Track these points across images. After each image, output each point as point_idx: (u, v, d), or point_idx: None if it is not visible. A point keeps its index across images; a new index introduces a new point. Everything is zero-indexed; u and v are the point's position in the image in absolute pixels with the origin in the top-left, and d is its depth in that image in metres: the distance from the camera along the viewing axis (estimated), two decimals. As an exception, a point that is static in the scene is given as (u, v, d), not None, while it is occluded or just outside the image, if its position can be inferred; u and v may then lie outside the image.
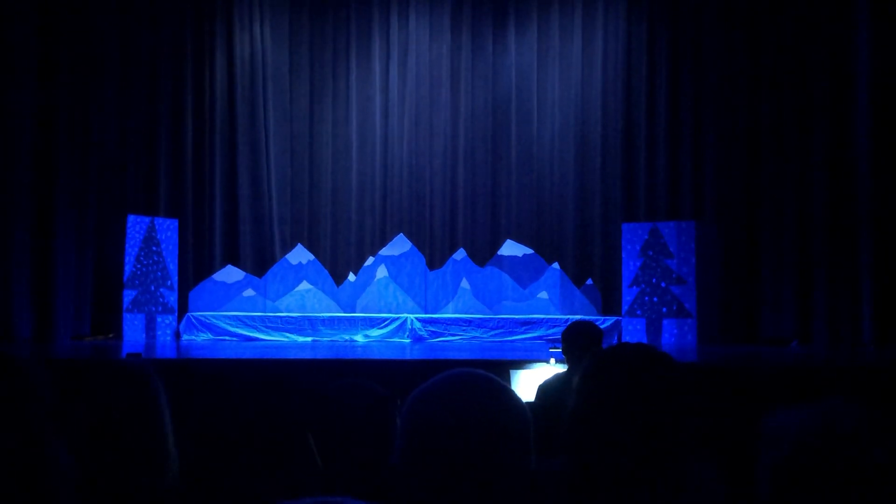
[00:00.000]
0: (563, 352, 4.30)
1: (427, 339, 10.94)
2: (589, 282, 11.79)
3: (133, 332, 10.63)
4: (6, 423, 1.46)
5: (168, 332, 10.98)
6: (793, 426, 1.26)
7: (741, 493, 1.77)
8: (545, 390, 4.19)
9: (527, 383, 5.36)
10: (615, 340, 10.77)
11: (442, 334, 11.00)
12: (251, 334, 10.86)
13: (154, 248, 10.93)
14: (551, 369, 5.38)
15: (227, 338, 10.85)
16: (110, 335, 10.73)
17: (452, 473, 1.27)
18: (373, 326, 11.07)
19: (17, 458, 1.42)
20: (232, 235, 12.17)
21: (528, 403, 1.65)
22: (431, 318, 11.34)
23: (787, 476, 1.24)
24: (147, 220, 10.95)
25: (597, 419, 1.74)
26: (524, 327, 10.97)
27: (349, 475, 2.13)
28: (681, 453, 1.73)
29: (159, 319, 10.93)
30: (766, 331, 10.90)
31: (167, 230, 11.13)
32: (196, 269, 11.86)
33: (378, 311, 11.54)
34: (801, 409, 1.29)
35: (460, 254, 12.06)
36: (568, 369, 4.28)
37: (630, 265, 10.88)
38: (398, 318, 11.15)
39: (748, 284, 11.13)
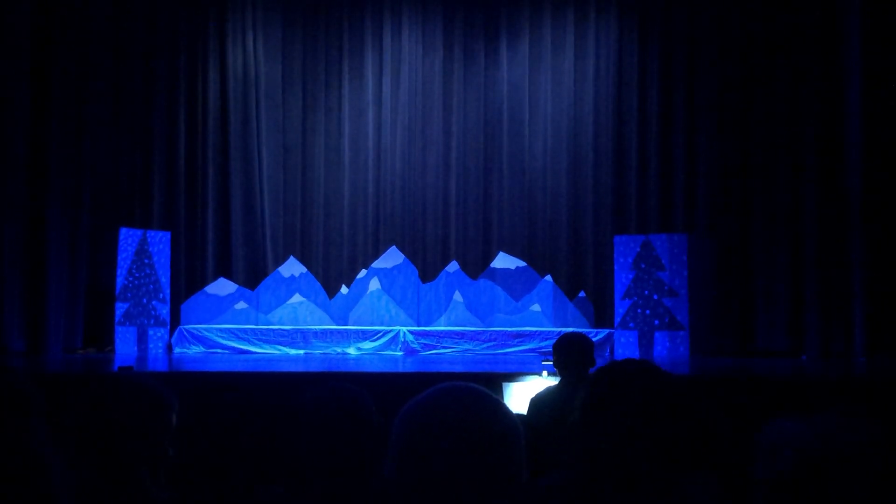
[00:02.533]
0: (555, 364, 4.29)
1: (419, 351, 10.93)
2: (581, 294, 11.80)
3: (125, 345, 10.60)
4: (3, 430, 1.47)
5: (160, 344, 10.95)
6: (790, 439, 1.26)
7: (739, 504, 1.78)
8: (537, 403, 4.18)
9: (519, 396, 5.36)
10: (608, 353, 10.79)
11: (434, 347, 10.99)
12: (243, 347, 10.84)
13: (146, 261, 10.91)
14: (544, 382, 5.37)
15: (219, 350, 10.83)
16: (107, 348, 10.69)
17: (444, 486, 1.27)
18: (365, 339, 11.06)
19: (14, 466, 1.42)
20: (224, 248, 12.16)
21: (519, 416, 1.65)
22: (424, 330, 11.34)
23: (785, 489, 1.24)
24: (139, 232, 10.94)
25: (598, 435, 1.75)
26: (517, 340, 10.97)
27: (331, 479, 2.12)
28: (681, 468, 1.74)
29: (151, 332, 10.90)
30: (759, 343, 10.91)
31: (159, 243, 11.12)
32: (188, 281, 11.83)
33: (370, 323, 11.53)
34: (798, 422, 1.29)
35: (453, 266, 12.06)
36: (560, 382, 4.27)
37: (622, 278, 10.89)
38: (391, 331, 11.14)
39: (740, 297, 11.15)
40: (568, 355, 4.21)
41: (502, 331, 11.24)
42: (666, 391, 1.78)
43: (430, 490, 1.28)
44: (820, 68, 10.69)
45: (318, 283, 11.93)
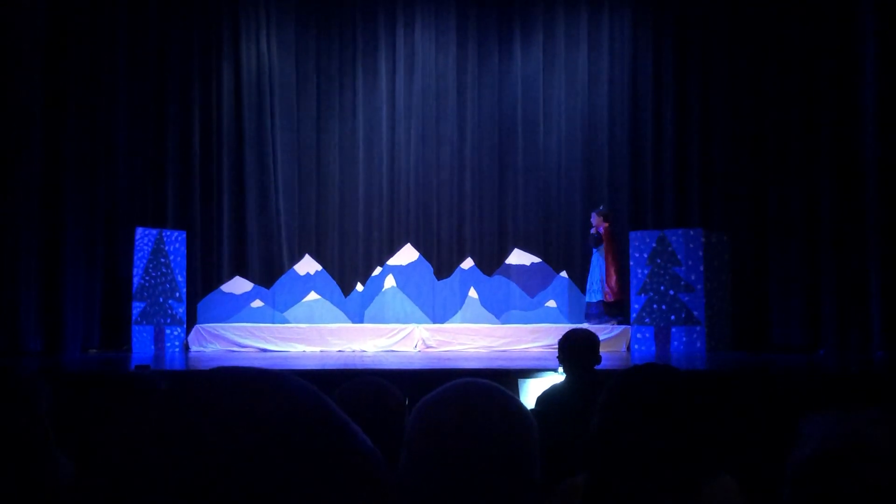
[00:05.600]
0: (560, 361, 4.26)
1: (435, 348, 10.93)
2: (599, 289, 11.78)
3: (142, 344, 10.65)
4: (6, 433, 1.47)
5: (176, 343, 10.99)
6: (821, 429, 1.26)
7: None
8: (544, 401, 4.16)
9: (535, 393, 5.34)
10: (623, 348, 10.76)
11: (450, 343, 10.98)
12: (260, 345, 10.86)
13: (162, 260, 10.95)
14: (559, 378, 5.36)
15: (235, 349, 10.86)
16: (124, 348, 10.74)
17: (458, 483, 1.27)
18: (381, 336, 11.05)
19: (17, 467, 1.42)
20: (240, 246, 12.19)
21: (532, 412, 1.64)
22: (439, 327, 11.34)
23: (807, 477, 1.24)
24: (155, 232, 10.98)
25: (617, 439, 1.74)
26: (532, 336, 10.95)
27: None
28: (700, 471, 1.74)
29: (168, 331, 10.94)
30: (775, 338, 10.87)
31: (175, 242, 11.16)
32: (204, 280, 11.88)
33: (386, 321, 11.54)
34: (836, 415, 1.28)
35: (468, 263, 12.06)
36: (566, 379, 4.26)
37: (638, 273, 10.85)
38: (406, 328, 11.14)
39: (757, 291, 11.10)
40: (573, 352, 4.20)
41: (518, 327, 11.23)
42: (685, 395, 1.78)
43: (442, 487, 1.27)
44: (836, 61, 10.63)
45: (334, 281, 11.96)
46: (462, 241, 12.52)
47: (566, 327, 10.77)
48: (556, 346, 4.34)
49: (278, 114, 12.43)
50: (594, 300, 11.48)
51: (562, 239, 12.37)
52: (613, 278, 11.31)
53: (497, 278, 11.97)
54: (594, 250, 11.46)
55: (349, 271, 12.36)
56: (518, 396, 1.43)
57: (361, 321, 11.69)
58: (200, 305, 11.52)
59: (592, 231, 11.44)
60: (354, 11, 12.64)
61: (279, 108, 12.44)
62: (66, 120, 10.66)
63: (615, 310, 11.36)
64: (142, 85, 11.57)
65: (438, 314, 11.81)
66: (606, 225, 11.41)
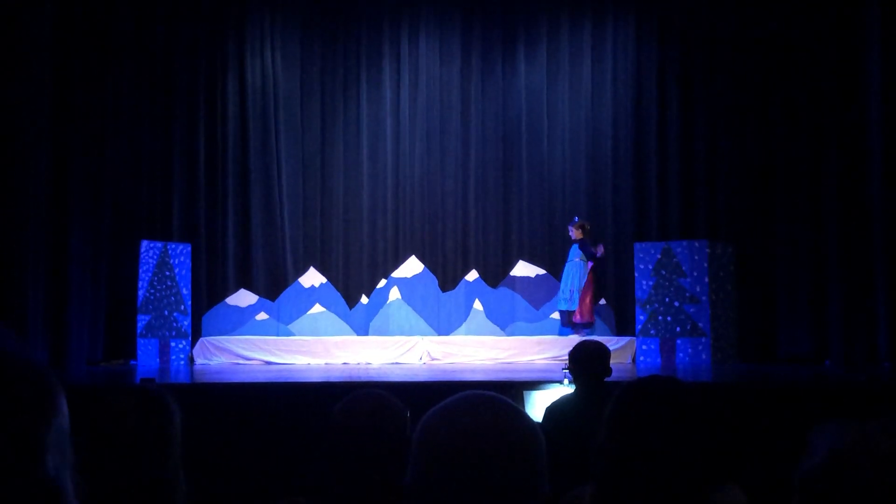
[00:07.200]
0: (570, 372, 4.28)
1: (440, 360, 10.91)
2: (602, 302, 11.76)
3: (147, 358, 10.65)
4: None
5: (182, 356, 10.99)
6: (829, 439, 1.26)
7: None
8: (552, 412, 4.17)
9: (541, 404, 5.34)
10: (629, 360, 10.74)
11: (455, 356, 10.97)
12: (265, 358, 10.86)
13: (167, 273, 10.96)
14: (565, 390, 5.36)
15: (240, 361, 10.85)
16: (130, 361, 10.73)
17: (463, 496, 1.26)
18: (386, 349, 11.04)
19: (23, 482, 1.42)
20: (245, 259, 12.19)
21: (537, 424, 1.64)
22: (444, 339, 11.33)
23: (815, 486, 1.23)
24: (160, 245, 10.99)
25: (623, 452, 1.74)
26: (538, 348, 10.93)
27: (363, 490, 2.11)
28: (707, 482, 1.73)
29: (173, 344, 10.94)
30: (781, 349, 10.84)
31: (180, 255, 11.17)
32: (209, 293, 11.87)
33: (391, 333, 11.53)
34: (844, 424, 1.28)
35: (472, 275, 12.05)
36: (576, 390, 4.26)
37: (643, 285, 10.84)
38: (411, 340, 11.13)
39: (762, 302, 11.08)
40: (583, 364, 4.20)
41: (523, 339, 11.21)
42: (691, 406, 1.78)
43: (448, 500, 1.27)
44: (840, 72, 10.63)
45: (339, 294, 11.96)
46: (467, 252, 12.50)
47: (571, 339, 10.82)
48: (562, 358, 4.35)
49: (283, 127, 12.44)
50: (564, 308, 11.43)
51: (566, 250, 12.34)
52: (588, 300, 11.27)
53: (502, 290, 11.97)
54: (568, 261, 11.44)
55: (354, 283, 12.35)
56: (524, 408, 1.42)
57: (366, 333, 11.69)
58: (205, 318, 11.52)
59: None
60: (359, 24, 12.67)
61: (284, 122, 12.46)
62: (72, 133, 10.67)
63: (581, 328, 11.37)
64: (147, 98, 11.59)
65: (443, 326, 11.80)
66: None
